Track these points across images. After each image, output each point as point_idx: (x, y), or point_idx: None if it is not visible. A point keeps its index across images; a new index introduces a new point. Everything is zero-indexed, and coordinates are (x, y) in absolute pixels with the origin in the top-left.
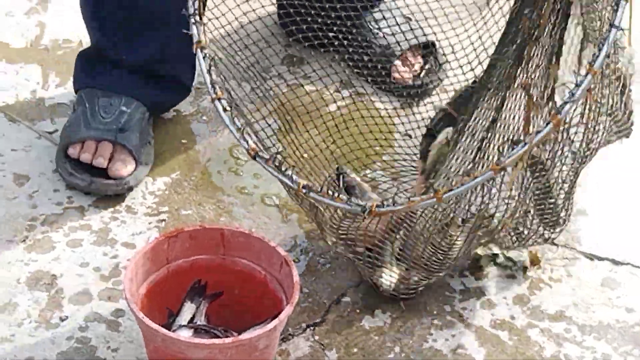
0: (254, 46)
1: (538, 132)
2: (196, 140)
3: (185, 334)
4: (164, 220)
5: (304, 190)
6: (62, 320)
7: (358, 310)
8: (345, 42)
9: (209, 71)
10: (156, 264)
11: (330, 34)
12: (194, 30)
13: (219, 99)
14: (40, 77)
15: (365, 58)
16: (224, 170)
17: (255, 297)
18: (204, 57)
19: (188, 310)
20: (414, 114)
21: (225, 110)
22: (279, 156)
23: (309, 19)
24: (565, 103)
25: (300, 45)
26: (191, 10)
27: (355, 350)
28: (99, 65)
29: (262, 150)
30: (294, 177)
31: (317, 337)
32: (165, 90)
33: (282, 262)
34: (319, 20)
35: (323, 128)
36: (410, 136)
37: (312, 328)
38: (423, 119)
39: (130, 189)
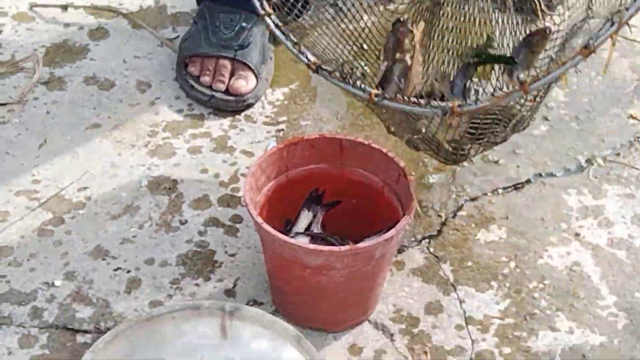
0: None
1: (627, 8)
2: None
3: (302, 241)
4: (282, 129)
5: (376, 99)
6: (182, 224)
7: (474, 225)
8: None
9: None
10: (275, 172)
11: None
12: None
13: (269, 15)
14: None
15: None
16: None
17: (372, 207)
18: None
19: (305, 218)
20: None
21: (277, 26)
22: (345, 66)
23: None
24: None
25: None
26: None
27: (469, 263)
28: None
29: (326, 62)
30: (363, 86)
31: (432, 250)
32: (286, 3)
33: (400, 173)
34: None
35: None
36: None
37: (427, 240)
38: None
39: (250, 105)
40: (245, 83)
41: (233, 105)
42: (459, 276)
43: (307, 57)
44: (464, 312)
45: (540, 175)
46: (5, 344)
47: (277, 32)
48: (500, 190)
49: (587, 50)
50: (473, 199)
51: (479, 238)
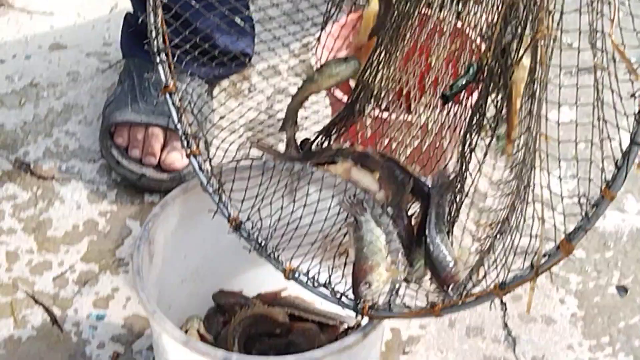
0: None
1: (548, 255)
2: None
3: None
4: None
5: (290, 275)
6: (250, 91)
7: None
8: None
9: (180, 120)
10: (345, 44)
11: None
12: (160, 71)
13: (194, 155)
14: None
15: None
16: None
17: None
18: (173, 104)
19: None
20: None
21: (201, 168)
22: (263, 233)
23: None
24: (579, 229)
25: None
26: (154, 49)
27: None
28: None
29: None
30: (280, 258)
31: None
32: (223, 62)
33: None
34: None
35: None
36: None
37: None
38: None
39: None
40: (180, 156)
41: (167, 185)
42: None
43: (227, 210)
44: None
45: None
46: (75, 199)
47: (201, 175)
48: None
49: (503, 290)
50: None
51: None
